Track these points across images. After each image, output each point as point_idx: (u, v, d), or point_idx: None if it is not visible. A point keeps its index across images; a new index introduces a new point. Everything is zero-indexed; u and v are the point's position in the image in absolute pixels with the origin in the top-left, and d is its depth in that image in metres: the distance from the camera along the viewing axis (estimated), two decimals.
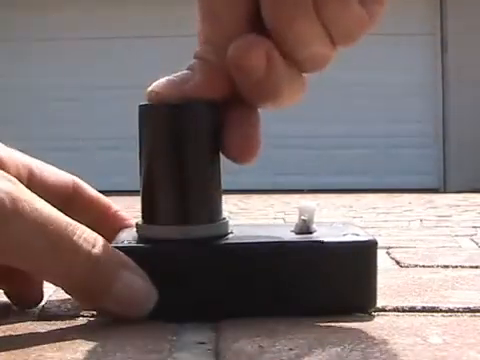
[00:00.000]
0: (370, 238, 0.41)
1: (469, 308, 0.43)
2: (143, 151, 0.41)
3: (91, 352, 0.34)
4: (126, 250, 0.39)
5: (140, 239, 0.41)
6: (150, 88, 0.39)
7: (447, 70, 4.29)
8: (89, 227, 0.39)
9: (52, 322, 0.41)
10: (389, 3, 0.37)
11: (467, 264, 0.64)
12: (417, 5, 4.21)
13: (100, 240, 0.38)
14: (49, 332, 0.39)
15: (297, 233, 0.43)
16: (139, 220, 0.42)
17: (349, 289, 0.41)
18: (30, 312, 0.44)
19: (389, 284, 0.52)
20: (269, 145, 4.13)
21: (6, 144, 0.44)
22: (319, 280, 0.40)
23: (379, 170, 4.30)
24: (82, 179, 0.48)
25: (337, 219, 1.45)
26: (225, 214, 0.42)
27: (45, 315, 0.43)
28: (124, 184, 3.24)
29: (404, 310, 0.43)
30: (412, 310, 0.43)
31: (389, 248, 0.79)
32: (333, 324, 0.39)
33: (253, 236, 0.42)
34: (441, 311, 0.43)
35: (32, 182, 0.43)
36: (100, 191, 0.48)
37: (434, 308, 0.43)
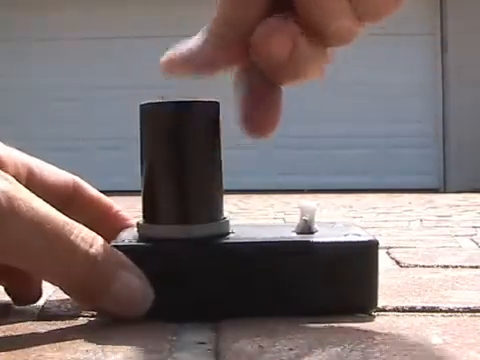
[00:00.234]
0: (371, 238, 0.41)
1: (469, 308, 0.43)
2: (144, 150, 0.41)
3: (91, 352, 0.34)
4: (126, 249, 0.39)
5: (141, 238, 0.41)
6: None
7: (447, 70, 4.29)
8: (90, 227, 0.39)
9: (52, 322, 0.41)
10: None
11: (467, 264, 0.64)
12: (417, 5, 4.20)
13: (98, 239, 0.38)
14: (49, 332, 0.39)
15: (298, 233, 0.43)
16: (140, 219, 0.42)
17: (350, 289, 0.41)
18: (30, 312, 0.44)
19: (389, 284, 0.52)
20: (270, 145, 4.15)
21: (6, 144, 0.44)
22: (320, 280, 0.40)
23: (379, 170, 4.30)
24: (82, 179, 0.48)
25: (337, 219, 1.45)
26: (225, 214, 0.42)
27: (45, 315, 0.43)
28: (124, 184, 3.24)
29: (404, 310, 0.43)
30: (412, 310, 0.43)
31: (389, 248, 0.79)
32: (333, 324, 0.39)
33: (254, 236, 0.42)
34: (441, 311, 0.43)
35: (32, 181, 0.43)
36: (100, 191, 0.48)
37: (434, 308, 0.43)
